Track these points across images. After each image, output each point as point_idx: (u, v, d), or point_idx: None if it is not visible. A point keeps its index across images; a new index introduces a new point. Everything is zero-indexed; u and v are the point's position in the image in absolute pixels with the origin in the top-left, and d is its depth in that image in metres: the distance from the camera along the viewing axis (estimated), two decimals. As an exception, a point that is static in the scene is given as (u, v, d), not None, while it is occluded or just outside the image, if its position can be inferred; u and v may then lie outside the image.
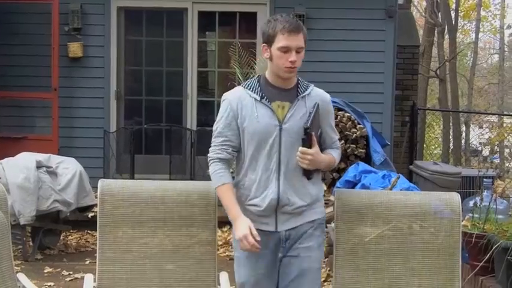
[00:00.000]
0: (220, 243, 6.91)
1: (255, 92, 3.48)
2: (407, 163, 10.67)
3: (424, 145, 17.86)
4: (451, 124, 21.73)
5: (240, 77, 8.85)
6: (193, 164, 9.37)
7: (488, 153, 21.65)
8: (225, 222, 7.79)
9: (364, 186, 7.14)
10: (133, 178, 8.70)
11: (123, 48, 9.94)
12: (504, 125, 16.59)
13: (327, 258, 6.46)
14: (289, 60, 3.39)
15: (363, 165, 7.82)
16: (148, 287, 3.66)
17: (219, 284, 3.73)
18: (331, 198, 7.02)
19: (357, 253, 3.66)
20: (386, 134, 9.48)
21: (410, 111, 11.20)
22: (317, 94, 3.59)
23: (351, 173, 7.67)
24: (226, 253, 6.97)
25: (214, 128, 3.54)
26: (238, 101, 3.49)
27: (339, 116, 8.93)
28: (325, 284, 5.88)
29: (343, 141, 8.85)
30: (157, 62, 10.15)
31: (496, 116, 21.39)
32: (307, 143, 3.39)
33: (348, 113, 9.03)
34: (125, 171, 9.34)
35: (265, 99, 3.46)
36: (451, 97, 23.16)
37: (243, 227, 3.37)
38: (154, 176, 8.52)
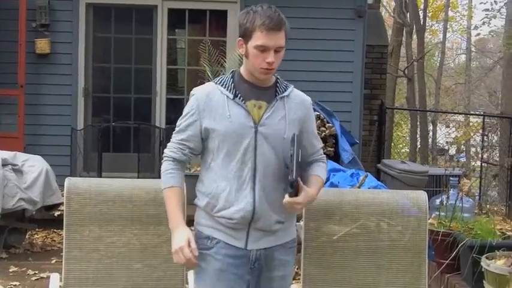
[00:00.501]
0: (188, 241, 6.89)
1: (227, 89, 3.11)
2: (375, 162, 10.74)
3: (392, 144, 17.96)
4: (418, 123, 21.89)
5: (210, 75, 8.82)
6: (162, 162, 9.32)
7: (454, 152, 21.82)
8: (193, 221, 7.80)
9: (332, 185, 7.17)
10: (100, 176, 8.63)
11: (91, 45, 9.87)
12: (470, 124, 16.76)
13: (295, 256, 6.47)
14: (266, 60, 3.02)
15: (331, 164, 7.84)
16: (116, 287, 3.64)
17: (187, 283, 3.71)
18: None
19: (325, 251, 3.67)
20: (354, 133, 9.53)
21: (378, 110, 11.26)
22: (297, 96, 3.24)
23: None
24: (195, 252, 6.94)
25: (178, 122, 3.22)
26: (206, 98, 3.11)
27: (307, 115, 8.95)
28: (293, 282, 5.89)
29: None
30: (126, 59, 10.09)
31: (463, 115, 21.63)
32: (293, 193, 3.00)
33: (317, 111, 9.05)
34: (92, 170, 9.27)
35: (239, 98, 3.09)
36: (419, 96, 23.36)
37: (180, 238, 3.04)
38: (123, 174, 8.47)
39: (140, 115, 9.93)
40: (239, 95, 3.10)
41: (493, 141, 10.04)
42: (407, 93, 23.90)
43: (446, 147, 23.55)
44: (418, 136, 22.05)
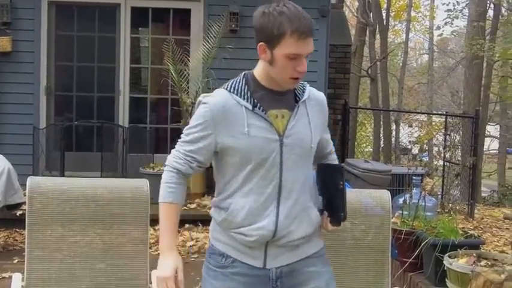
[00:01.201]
0: (152, 241, 6.86)
1: (244, 99, 2.69)
2: (339, 161, 10.77)
3: (356, 143, 18.10)
4: (381, 123, 22.09)
5: (174, 74, 8.80)
6: (125, 162, 9.27)
7: (417, 152, 22.04)
8: (157, 220, 7.77)
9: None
10: (63, 176, 8.56)
11: (53, 43, 9.76)
12: (433, 123, 16.93)
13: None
14: (297, 69, 2.65)
15: (295, 163, 7.86)
16: (79, 286, 3.61)
17: (151, 283, 3.69)
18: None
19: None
20: (318, 132, 9.55)
21: (342, 109, 11.31)
22: (314, 96, 2.90)
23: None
24: (158, 251, 6.90)
25: (186, 130, 2.78)
26: (222, 111, 2.68)
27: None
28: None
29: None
30: (89, 58, 10.01)
31: (425, 115, 21.84)
32: (337, 224, 2.83)
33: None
34: (54, 169, 9.18)
35: (259, 108, 2.69)
36: (382, 96, 23.54)
37: (167, 266, 2.76)
38: (85, 173, 8.41)
39: (103, 114, 9.85)
40: (258, 105, 2.70)
41: (455, 140, 10.12)
42: (371, 92, 24.09)
43: (409, 147, 23.80)
44: (381, 135, 22.25)
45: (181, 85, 8.89)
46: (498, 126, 26.99)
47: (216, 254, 2.82)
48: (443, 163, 10.27)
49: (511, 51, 16.99)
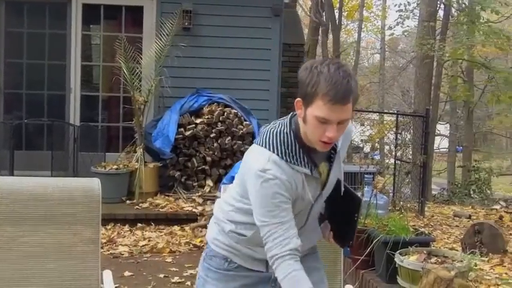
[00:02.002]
0: (104, 241, 6.81)
1: (301, 164, 2.57)
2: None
3: (309, 142, 18.12)
4: (334, 121, 22.17)
5: (126, 72, 8.74)
6: (76, 160, 9.16)
7: (369, 150, 22.22)
8: (108, 220, 7.71)
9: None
10: (13, 175, 8.45)
11: (3, 40, 9.63)
12: (384, 122, 17.07)
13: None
14: (326, 134, 2.49)
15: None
16: (30, 287, 3.55)
17: (102, 283, 3.66)
18: (218, 194, 7.04)
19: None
20: (271, 131, 9.56)
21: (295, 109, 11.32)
22: (345, 134, 2.72)
23: (237, 169, 7.68)
24: (110, 251, 6.87)
25: (262, 219, 2.56)
26: (291, 187, 2.56)
27: (225, 113, 8.98)
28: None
29: (230, 138, 8.90)
30: (39, 55, 9.89)
31: (377, 114, 22.02)
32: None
33: (235, 109, 9.09)
34: (3, 168, 9.03)
35: (315, 171, 2.62)
36: (335, 95, 23.65)
37: None
38: (36, 172, 8.29)
39: (54, 112, 9.74)
40: (312, 166, 2.61)
41: (406, 139, 10.23)
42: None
43: (361, 145, 23.97)
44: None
45: (133, 83, 8.83)
46: (448, 125, 27.38)
47: (219, 257, 2.82)
48: (395, 161, 10.37)
49: (461, 51, 17.28)
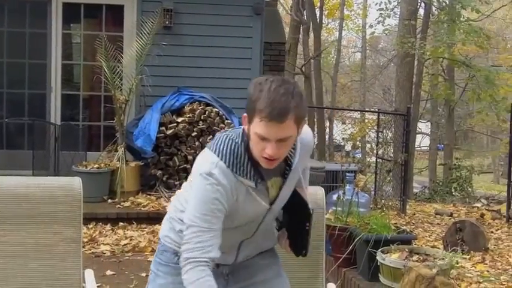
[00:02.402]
0: (85, 240, 6.79)
1: (246, 176, 2.57)
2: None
3: (290, 140, 18.14)
4: (315, 120, 22.26)
5: (107, 71, 8.70)
6: (58, 160, 9.11)
7: (350, 148, 22.31)
8: (90, 219, 7.68)
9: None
10: (-7, 174, 8.38)
11: (-18, 39, 9.56)
12: (366, 120, 17.13)
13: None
14: (265, 151, 2.48)
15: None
16: (11, 286, 3.53)
17: (84, 282, 3.64)
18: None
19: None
20: (253, 130, 9.57)
21: (276, 107, 11.33)
22: (303, 142, 2.73)
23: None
24: (92, 250, 6.84)
25: (193, 219, 2.55)
26: (232, 196, 2.57)
27: (207, 112, 8.98)
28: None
29: (211, 136, 8.89)
30: (20, 54, 9.82)
31: (358, 112, 22.11)
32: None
33: (216, 108, 9.08)
34: (-16, 167, 8.99)
35: (261, 184, 2.62)
36: (316, 94, 23.76)
37: None
38: (17, 171, 8.23)
39: (35, 111, 9.68)
40: (259, 180, 2.60)
41: (388, 137, 10.28)
42: (305, 90, 24.24)
43: (343, 144, 24.04)
44: (315, 133, 22.40)
45: (114, 82, 8.80)
46: (429, 124, 27.53)
47: (169, 252, 2.82)
48: (376, 160, 10.41)
49: (441, 50, 17.37)
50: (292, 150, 2.65)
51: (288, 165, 2.66)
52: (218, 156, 2.56)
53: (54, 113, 9.63)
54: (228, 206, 2.56)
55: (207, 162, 2.57)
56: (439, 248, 6.38)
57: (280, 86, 2.45)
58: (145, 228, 7.83)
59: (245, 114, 2.55)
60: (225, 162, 2.55)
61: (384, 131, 10.32)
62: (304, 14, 22.94)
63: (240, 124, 7.58)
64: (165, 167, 8.97)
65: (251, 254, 2.84)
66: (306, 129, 2.72)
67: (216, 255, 2.54)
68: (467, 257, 6.45)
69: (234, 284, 2.81)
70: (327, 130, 24.98)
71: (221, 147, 2.59)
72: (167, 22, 9.53)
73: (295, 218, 2.86)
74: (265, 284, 2.91)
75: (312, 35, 24.65)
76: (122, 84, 9.00)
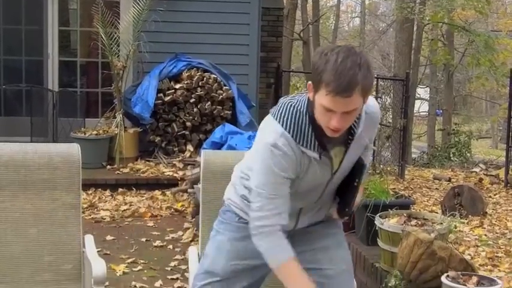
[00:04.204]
0: (85, 206, 6.81)
1: (311, 148, 2.56)
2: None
3: (288, 106, 18.12)
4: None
5: (104, 37, 8.65)
6: (56, 126, 9.10)
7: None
8: (89, 185, 7.70)
9: (230, 147, 7.20)
10: (-8, 141, 8.38)
11: (-22, 5, 9.49)
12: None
13: (193, 219, 6.49)
14: (331, 122, 2.46)
15: (229, 127, 7.87)
16: (11, 252, 3.55)
17: (84, 247, 3.66)
18: (198, 159, 7.03)
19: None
20: (251, 96, 9.56)
21: (275, 73, 11.32)
22: (370, 110, 2.69)
23: (217, 135, 7.72)
24: (92, 216, 6.86)
25: (262, 187, 2.58)
26: (298, 162, 2.58)
27: (205, 78, 8.95)
28: (192, 243, 5.91)
29: (209, 103, 8.88)
30: (16, 20, 9.77)
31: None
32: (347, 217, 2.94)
33: (214, 74, 9.05)
34: (-18, 134, 8.98)
35: (324, 156, 2.61)
36: (314, 59, 23.62)
37: None
38: (15, 138, 8.21)
39: (32, 78, 9.65)
40: (323, 152, 2.60)
41: (386, 103, 10.26)
42: (303, 56, 24.18)
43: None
44: (313, 98, 22.34)
45: (111, 48, 8.75)
46: (428, 89, 27.48)
47: (231, 212, 2.89)
48: (375, 125, 10.39)
49: (441, 15, 17.26)
50: (356, 120, 2.60)
51: (350, 134, 2.64)
52: (282, 125, 2.56)
53: (52, 79, 9.59)
54: (293, 174, 2.58)
55: (271, 132, 2.57)
56: (437, 213, 6.40)
57: (347, 58, 2.39)
58: (145, 194, 7.85)
59: (310, 82, 2.49)
60: (289, 133, 2.55)
61: (383, 96, 10.29)
62: (303, -22, 22.79)
63: (238, 90, 7.59)
64: (164, 133, 8.97)
65: (310, 222, 2.86)
66: (370, 100, 2.67)
67: (286, 221, 2.59)
68: (466, 221, 6.47)
69: (293, 248, 2.70)
70: (326, 96, 24.89)
71: (285, 117, 2.57)
72: (164, -13, 9.45)
73: (348, 175, 2.82)
74: (325, 252, 2.89)
75: (310, 0, 24.50)
76: (119, 51, 8.95)
